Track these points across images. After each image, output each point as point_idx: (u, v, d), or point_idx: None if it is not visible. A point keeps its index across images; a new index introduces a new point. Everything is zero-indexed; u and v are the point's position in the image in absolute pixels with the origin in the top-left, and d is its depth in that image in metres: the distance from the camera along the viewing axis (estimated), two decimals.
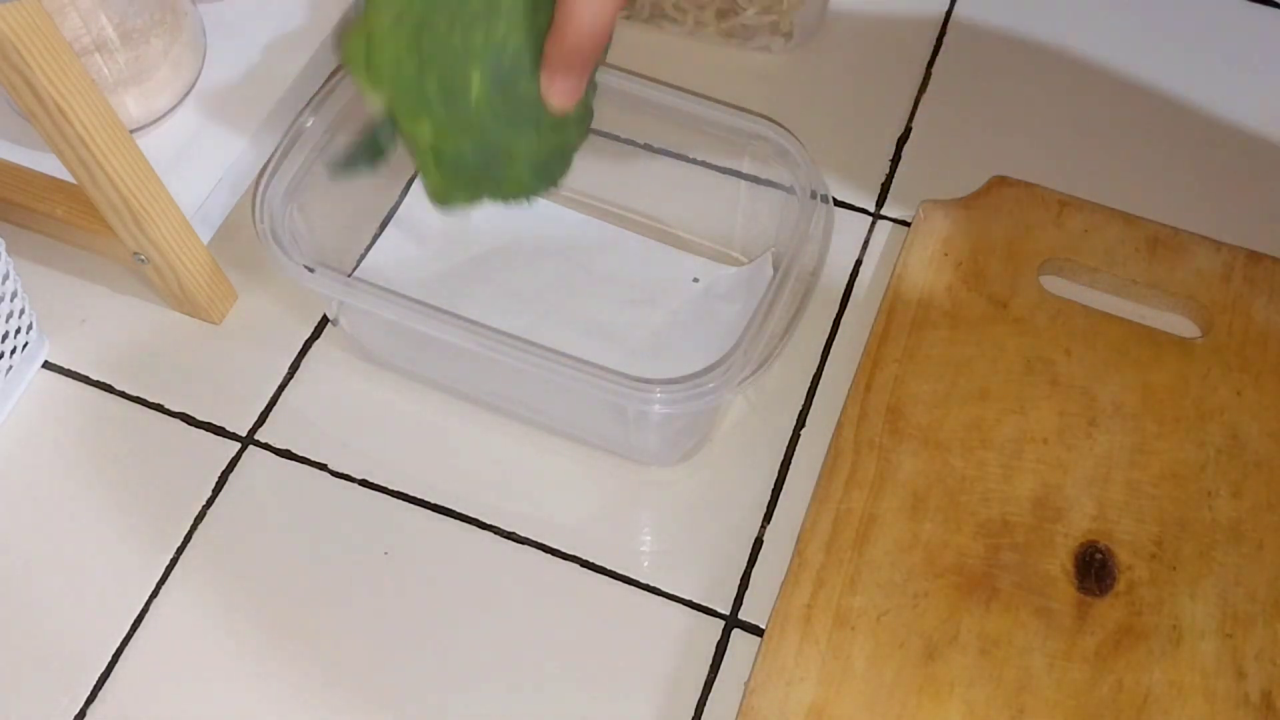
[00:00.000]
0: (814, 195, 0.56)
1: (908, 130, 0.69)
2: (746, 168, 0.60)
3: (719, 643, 0.54)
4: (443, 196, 0.52)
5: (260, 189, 0.55)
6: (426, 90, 0.48)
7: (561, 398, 0.56)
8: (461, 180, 0.51)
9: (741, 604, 0.55)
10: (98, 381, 0.61)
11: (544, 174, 0.52)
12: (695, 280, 0.62)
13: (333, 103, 0.58)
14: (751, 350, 0.52)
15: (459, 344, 0.53)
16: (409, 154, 0.52)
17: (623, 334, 0.61)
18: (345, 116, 0.59)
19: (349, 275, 0.55)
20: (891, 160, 0.68)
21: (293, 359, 0.62)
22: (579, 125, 0.53)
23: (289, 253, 0.54)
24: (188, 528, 0.57)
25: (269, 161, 0.56)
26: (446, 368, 0.60)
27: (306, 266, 0.54)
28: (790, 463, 0.59)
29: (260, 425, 0.60)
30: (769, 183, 0.59)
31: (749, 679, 0.52)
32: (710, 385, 0.51)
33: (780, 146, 0.57)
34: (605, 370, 0.51)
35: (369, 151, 0.52)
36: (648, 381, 0.51)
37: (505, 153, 0.50)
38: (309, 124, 0.58)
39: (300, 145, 0.57)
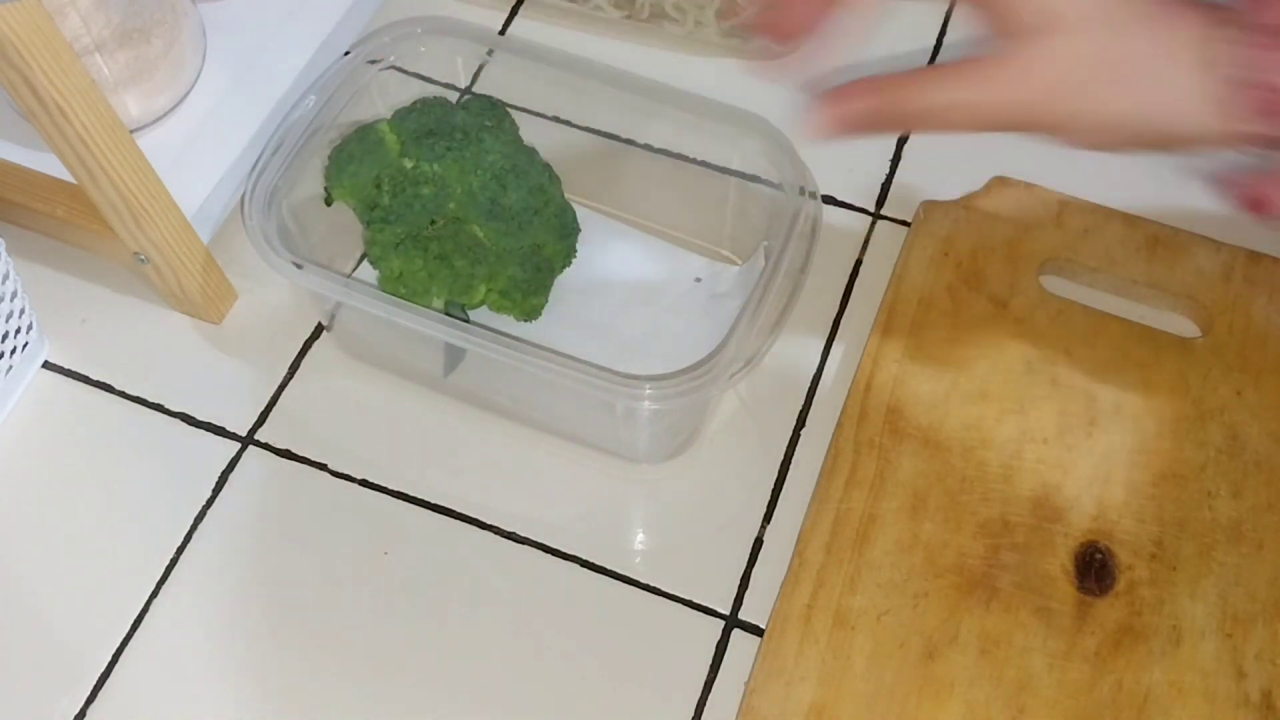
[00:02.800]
0: (803, 191, 0.56)
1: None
2: (736, 165, 0.60)
3: (719, 643, 0.54)
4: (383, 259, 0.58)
5: (249, 187, 0.55)
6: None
7: (555, 395, 0.57)
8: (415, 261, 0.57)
9: (741, 604, 0.55)
10: (98, 381, 0.61)
11: (514, 294, 0.58)
12: (698, 280, 0.62)
13: (321, 99, 0.58)
14: (740, 347, 0.52)
15: (452, 342, 0.53)
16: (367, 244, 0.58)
17: (623, 333, 0.61)
18: (335, 114, 0.59)
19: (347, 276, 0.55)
20: (891, 160, 0.68)
21: (293, 359, 0.62)
22: (561, 256, 0.60)
23: (276, 249, 0.54)
24: (188, 528, 0.57)
25: (258, 160, 0.56)
26: (436, 366, 0.60)
27: (295, 263, 0.54)
28: (790, 463, 0.59)
29: (260, 425, 0.60)
30: (758, 179, 0.59)
31: (749, 679, 0.52)
32: (699, 381, 0.51)
33: (768, 143, 0.57)
34: (593, 367, 0.51)
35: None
36: (636, 377, 0.51)
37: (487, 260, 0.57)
38: (297, 120, 0.58)
39: (288, 143, 0.57)
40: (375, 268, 0.57)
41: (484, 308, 0.58)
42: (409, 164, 0.58)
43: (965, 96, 0.44)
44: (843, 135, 0.46)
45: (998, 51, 0.44)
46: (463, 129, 0.59)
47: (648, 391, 0.51)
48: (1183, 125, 0.44)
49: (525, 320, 0.59)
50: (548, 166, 0.61)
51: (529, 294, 0.58)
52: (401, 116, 0.60)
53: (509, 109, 0.61)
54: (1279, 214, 0.45)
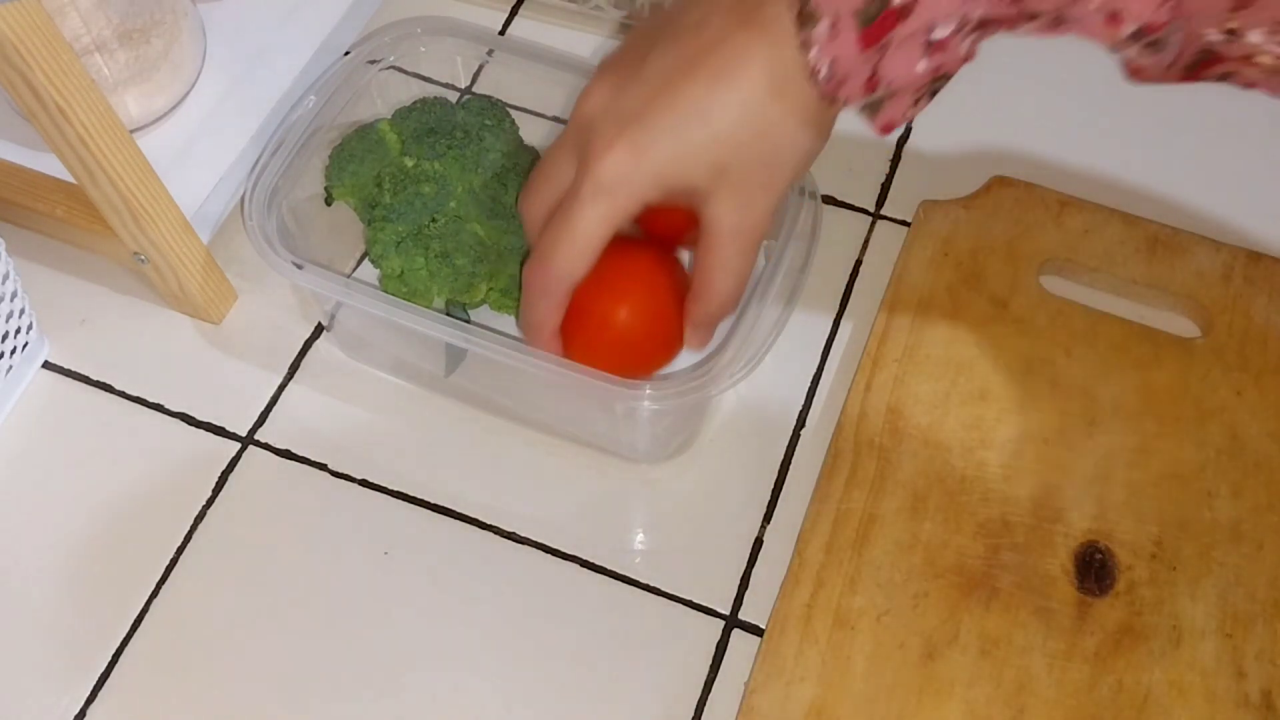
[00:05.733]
0: (802, 192, 0.56)
1: (908, 130, 0.69)
2: None
3: (719, 643, 0.54)
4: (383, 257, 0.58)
5: (249, 186, 0.55)
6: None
7: (555, 396, 0.57)
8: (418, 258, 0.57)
9: (741, 604, 0.55)
10: (98, 381, 0.61)
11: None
12: None
13: (321, 99, 0.58)
14: (740, 348, 0.52)
15: (451, 343, 0.53)
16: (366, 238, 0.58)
17: None
18: (335, 114, 0.59)
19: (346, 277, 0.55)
20: (891, 160, 0.68)
21: (293, 359, 0.62)
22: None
23: (276, 249, 0.54)
24: (188, 528, 0.57)
25: (258, 159, 0.56)
26: (437, 366, 0.60)
27: (295, 263, 0.54)
28: (790, 463, 0.59)
29: (260, 425, 0.60)
30: None
31: (749, 679, 0.52)
32: (698, 382, 0.51)
33: None
34: (594, 369, 0.51)
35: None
36: (635, 379, 0.51)
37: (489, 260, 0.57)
38: (297, 120, 0.58)
39: (288, 143, 0.57)
40: (376, 266, 0.57)
41: (485, 307, 0.59)
42: (410, 162, 0.58)
43: (728, 267, 0.52)
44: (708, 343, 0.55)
45: None
46: (463, 128, 0.59)
47: (647, 392, 0.51)
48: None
49: None
50: None
51: None
52: (402, 116, 0.60)
53: (509, 109, 0.61)
54: None
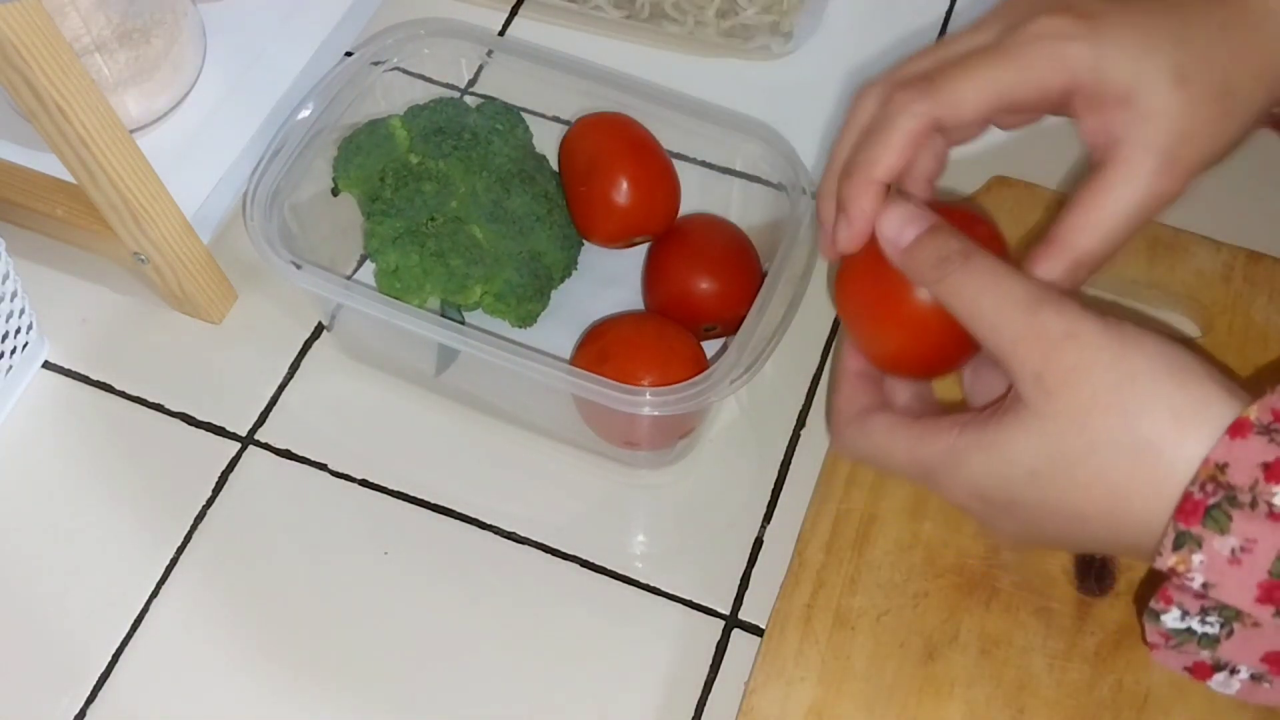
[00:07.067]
0: (805, 193, 0.56)
1: None
2: (738, 166, 0.60)
3: (719, 643, 0.54)
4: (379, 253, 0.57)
5: (251, 187, 0.55)
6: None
7: (553, 400, 0.56)
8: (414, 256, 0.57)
9: (741, 604, 0.55)
10: (98, 381, 0.61)
11: (511, 299, 0.58)
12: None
13: (325, 100, 0.58)
14: (741, 353, 0.51)
15: (452, 346, 0.53)
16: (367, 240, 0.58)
17: None
18: (339, 115, 0.59)
19: (347, 278, 0.55)
20: None
21: (293, 359, 0.62)
22: (561, 267, 0.60)
23: (277, 250, 0.54)
24: (188, 528, 0.57)
25: (260, 160, 0.56)
26: (430, 366, 0.60)
27: (294, 263, 0.54)
28: (790, 463, 0.59)
29: (260, 425, 0.60)
30: (761, 181, 0.59)
31: (749, 679, 0.52)
32: (699, 389, 0.51)
33: (769, 145, 0.57)
34: (593, 374, 0.51)
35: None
36: (637, 385, 0.51)
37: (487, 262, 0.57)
38: (301, 120, 0.58)
39: (292, 143, 0.57)
40: (372, 260, 0.57)
41: (481, 311, 0.59)
42: (415, 159, 0.58)
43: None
44: None
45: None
46: (472, 130, 0.59)
47: (647, 399, 0.50)
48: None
49: (520, 326, 0.58)
50: (556, 175, 0.61)
51: (525, 299, 0.57)
52: (414, 113, 0.60)
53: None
54: None
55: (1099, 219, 0.44)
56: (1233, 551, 0.36)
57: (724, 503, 0.58)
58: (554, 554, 0.56)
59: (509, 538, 0.57)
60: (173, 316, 0.63)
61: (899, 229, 0.43)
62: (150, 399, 0.61)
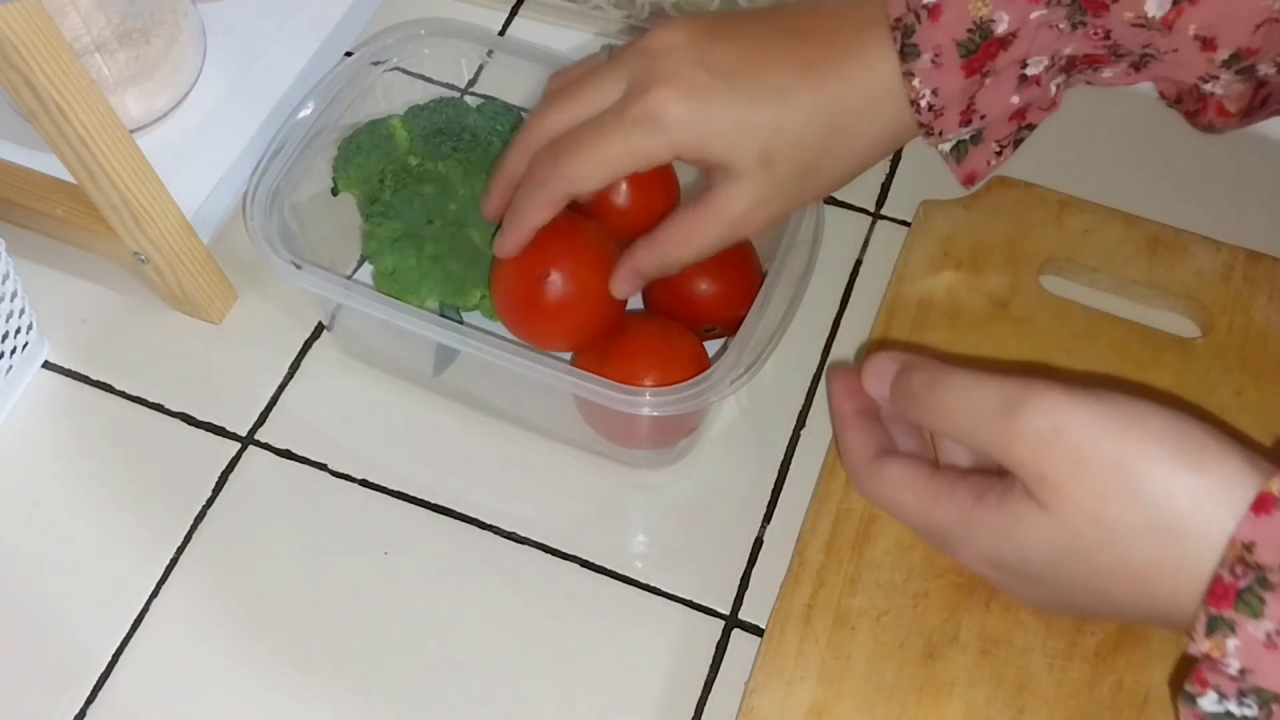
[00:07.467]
0: None
1: None
2: None
3: (719, 643, 0.54)
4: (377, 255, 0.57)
5: (251, 187, 0.55)
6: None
7: (553, 400, 0.56)
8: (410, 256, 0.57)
9: (741, 604, 0.55)
10: (98, 381, 0.61)
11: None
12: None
13: (325, 100, 0.58)
14: (741, 354, 0.51)
15: (452, 346, 0.53)
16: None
17: None
18: (339, 115, 0.59)
19: (347, 278, 0.55)
20: (891, 160, 0.68)
21: (293, 359, 0.62)
22: None
23: (277, 250, 0.54)
24: (188, 528, 0.57)
25: (260, 160, 0.56)
26: (429, 366, 0.59)
27: (294, 263, 0.54)
28: (790, 463, 0.59)
29: (260, 425, 0.60)
30: None
31: (749, 679, 0.52)
32: (699, 389, 0.51)
33: None
34: (595, 375, 0.51)
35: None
36: (639, 385, 0.51)
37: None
38: (301, 120, 0.58)
39: (292, 143, 0.57)
40: (370, 262, 0.57)
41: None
42: (414, 161, 0.58)
43: (691, 238, 0.51)
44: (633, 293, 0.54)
45: None
46: (472, 131, 0.59)
47: (647, 399, 0.50)
48: (898, 145, 0.48)
49: None
50: None
51: None
52: (414, 113, 0.60)
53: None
54: None
55: (690, 233, 0.50)
56: (1268, 636, 0.36)
57: (724, 503, 0.58)
58: (554, 554, 0.56)
59: (509, 538, 0.57)
60: (173, 316, 0.63)
61: (877, 386, 0.46)
62: (150, 399, 0.61)
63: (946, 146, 0.49)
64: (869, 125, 0.48)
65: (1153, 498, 0.38)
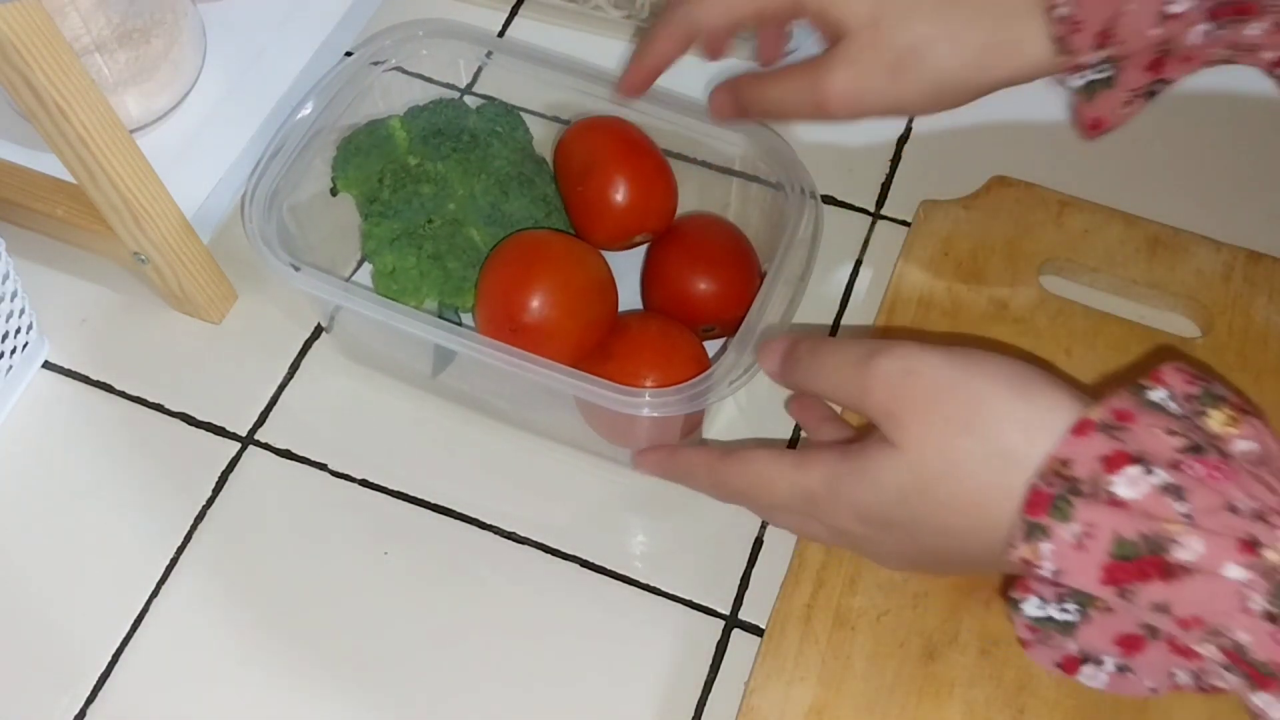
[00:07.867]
0: (804, 193, 0.56)
1: (908, 130, 0.69)
2: (738, 167, 0.60)
3: (719, 643, 0.54)
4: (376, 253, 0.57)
5: (250, 187, 0.55)
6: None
7: (552, 401, 0.56)
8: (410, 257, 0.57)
9: (741, 604, 0.55)
10: (98, 381, 0.61)
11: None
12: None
13: (324, 100, 0.58)
14: (741, 353, 0.51)
15: (450, 348, 0.53)
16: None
17: None
18: (338, 115, 0.59)
19: (346, 279, 0.55)
20: (891, 160, 0.68)
21: (293, 359, 0.62)
22: None
23: (275, 251, 0.54)
24: (188, 528, 0.57)
25: (260, 160, 0.56)
26: (428, 367, 0.59)
27: (292, 265, 0.54)
28: None
29: (260, 425, 0.60)
30: (759, 181, 0.59)
31: (749, 679, 0.52)
32: (699, 389, 0.51)
33: (768, 144, 0.57)
34: (594, 376, 0.51)
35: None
36: (640, 385, 0.51)
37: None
38: (300, 120, 0.58)
39: (291, 143, 0.57)
40: (369, 261, 0.57)
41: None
42: (413, 161, 0.58)
43: (786, 96, 0.53)
44: (725, 121, 0.57)
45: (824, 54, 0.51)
46: (471, 132, 0.59)
47: (646, 400, 0.50)
48: (1021, 66, 0.50)
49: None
50: (556, 179, 0.61)
51: None
52: (414, 114, 0.60)
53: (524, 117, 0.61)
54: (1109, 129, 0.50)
55: (785, 92, 0.53)
56: (1076, 537, 0.38)
57: (719, 504, 0.57)
58: (554, 554, 0.56)
59: (509, 538, 0.57)
60: (173, 316, 0.63)
61: (770, 363, 0.49)
62: (150, 399, 0.61)
63: (1079, 82, 0.49)
64: (992, 31, 0.49)
65: (988, 425, 0.41)
